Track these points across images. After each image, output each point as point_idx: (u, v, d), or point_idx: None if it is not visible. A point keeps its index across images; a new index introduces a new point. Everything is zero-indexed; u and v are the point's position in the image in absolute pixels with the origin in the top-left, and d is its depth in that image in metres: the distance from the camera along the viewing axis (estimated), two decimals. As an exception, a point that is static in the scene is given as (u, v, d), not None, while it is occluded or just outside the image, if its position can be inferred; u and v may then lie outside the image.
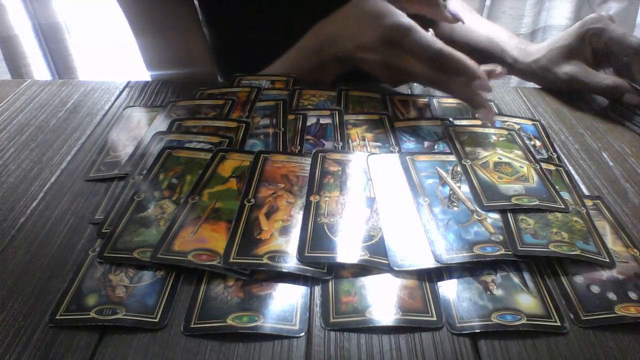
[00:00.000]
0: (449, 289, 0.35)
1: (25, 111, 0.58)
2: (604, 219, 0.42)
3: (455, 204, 0.41)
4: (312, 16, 0.73)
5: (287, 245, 0.37)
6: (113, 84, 0.64)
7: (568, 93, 0.63)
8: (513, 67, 0.69)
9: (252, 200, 0.41)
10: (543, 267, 0.37)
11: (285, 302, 0.34)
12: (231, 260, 0.36)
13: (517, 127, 0.54)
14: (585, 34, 0.59)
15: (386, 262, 0.36)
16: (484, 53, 0.74)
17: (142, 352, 0.31)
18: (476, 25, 0.77)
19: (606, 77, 0.58)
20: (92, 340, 0.32)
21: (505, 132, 0.52)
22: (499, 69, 0.53)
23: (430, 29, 0.81)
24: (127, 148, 0.50)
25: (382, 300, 0.34)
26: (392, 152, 0.49)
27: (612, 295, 0.35)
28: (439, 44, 0.50)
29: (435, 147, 0.50)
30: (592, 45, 0.59)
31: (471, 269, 0.36)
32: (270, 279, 0.36)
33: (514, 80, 0.72)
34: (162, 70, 0.73)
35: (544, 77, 0.64)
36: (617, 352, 0.32)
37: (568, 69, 0.60)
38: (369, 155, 0.47)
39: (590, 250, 0.37)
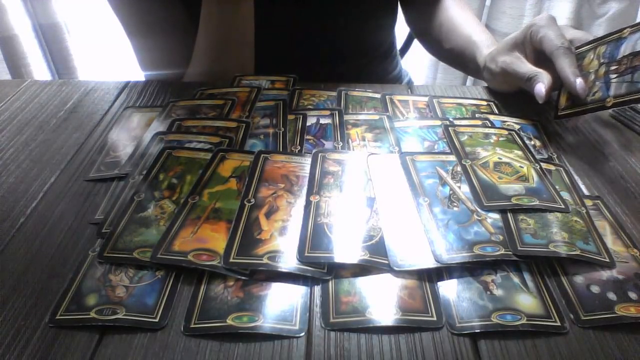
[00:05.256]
0: (449, 289, 0.35)
1: (25, 111, 0.58)
2: (604, 219, 0.42)
3: (455, 204, 0.41)
4: (298, 15, 0.73)
5: (287, 246, 0.37)
6: (113, 84, 0.64)
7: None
8: (481, 70, 0.67)
9: (252, 200, 0.41)
10: (543, 267, 0.37)
11: (285, 302, 0.34)
12: (231, 260, 0.36)
13: (517, 127, 0.54)
14: (529, 29, 0.57)
15: (386, 262, 0.36)
16: (461, 51, 0.73)
17: (142, 352, 0.31)
18: (465, 23, 0.75)
19: (530, 68, 0.56)
20: (92, 340, 0.32)
21: (505, 132, 0.52)
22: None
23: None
24: (127, 148, 0.50)
25: (382, 300, 0.34)
26: (392, 152, 0.49)
27: (612, 295, 0.35)
28: None
29: (435, 147, 0.50)
30: (531, 40, 0.57)
31: (471, 269, 0.36)
32: (270, 279, 0.36)
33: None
34: (155, 71, 0.73)
35: (491, 71, 0.62)
36: (617, 352, 0.32)
37: (504, 58, 0.59)
38: (369, 155, 0.47)
39: (590, 250, 0.37)
